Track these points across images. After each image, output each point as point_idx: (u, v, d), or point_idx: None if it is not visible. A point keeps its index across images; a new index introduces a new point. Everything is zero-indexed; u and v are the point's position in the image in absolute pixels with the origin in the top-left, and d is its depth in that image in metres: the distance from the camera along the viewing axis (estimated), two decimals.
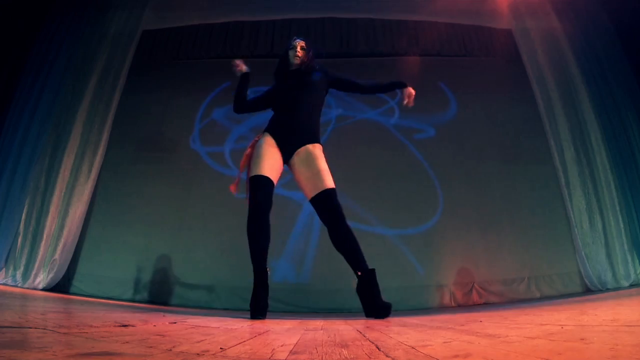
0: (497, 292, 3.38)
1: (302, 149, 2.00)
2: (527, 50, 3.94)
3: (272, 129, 2.06)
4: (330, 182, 1.94)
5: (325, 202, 1.91)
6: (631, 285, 3.17)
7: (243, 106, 2.26)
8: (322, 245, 3.57)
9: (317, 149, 2.02)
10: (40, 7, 4.03)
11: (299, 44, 2.20)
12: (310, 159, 1.98)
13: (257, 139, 2.05)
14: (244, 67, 2.28)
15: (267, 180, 1.91)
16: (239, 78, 2.27)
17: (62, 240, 3.42)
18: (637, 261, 3.30)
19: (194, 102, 4.04)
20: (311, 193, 1.95)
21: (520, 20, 4.02)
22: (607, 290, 3.18)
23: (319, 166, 1.96)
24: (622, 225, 3.38)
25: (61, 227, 3.45)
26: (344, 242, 1.90)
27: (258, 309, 1.76)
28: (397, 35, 4.18)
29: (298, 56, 2.17)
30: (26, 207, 3.45)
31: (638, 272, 3.26)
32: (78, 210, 3.52)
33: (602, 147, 3.58)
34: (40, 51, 3.95)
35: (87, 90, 3.79)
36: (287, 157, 2.03)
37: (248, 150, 2.03)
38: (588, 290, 3.29)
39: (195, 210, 3.68)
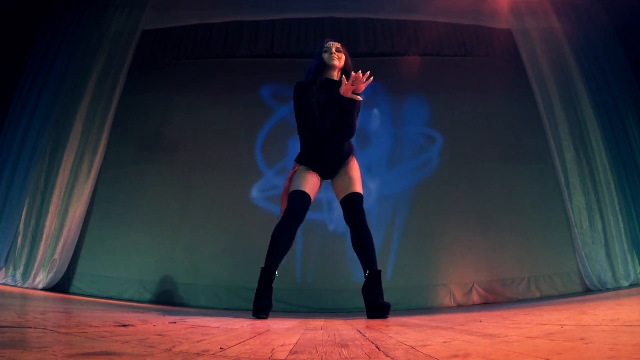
0: (497, 292, 3.38)
1: (344, 167, 2.10)
2: (527, 50, 3.93)
3: (309, 162, 2.06)
4: (359, 188, 2.05)
5: (352, 205, 2.02)
6: (631, 285, 3.17)
7: (318, 126, 2.05)
8: (323, 245, 3.58)
9: (352, 161, 2.12)
10: (40, 7, 4.02)
11: (334, 45, 2.07)
12: (347, 169, 2.09)
13: (293, 172, 2.08)
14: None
15: (306, 195, 1.99)
16: None
17: (62, 240, 3.41)
18: (637, 261, 3.30)
19: (195, 102, 4.04)
20: (341, 195, 2.06)
21: (520, 20, 4.01)
22: (607, 290, 3.18)
23: (352, 174, 2.08)
24: (622, 225, 3.38)
25: (61, 227, 3.45)
26: (362, 244, 1.98)
27: (262, 308, 1.78)
28: (397, 35, 4.17)
29: (334, 59, 2.05)
30: (26, 207, 3.45)
31: (638, 272, 3.26)
32: (78, 210, 3.52)
33: (602, 147, 3.58)
34: (40, 51, 3.94)
35: (87, 90, 3.79)
36: (327, 177, 2.12)
37: (287, 184, 2.08)
38: (588, 290, 3.28)
39: (196, 210, 3.68)
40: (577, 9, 4.00)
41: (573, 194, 3.51)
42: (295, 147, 2.42)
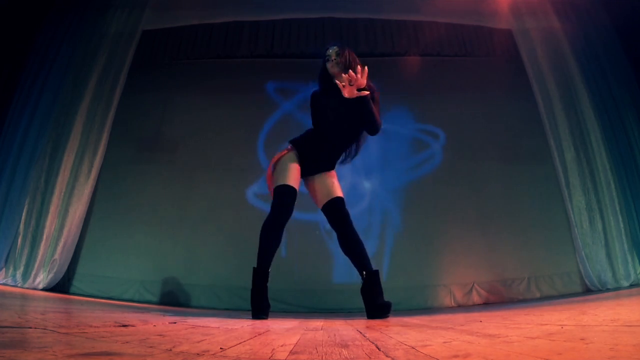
0: (497, 292, 3.38)
1: (323, 173, 2.13)
2: (527, 50, 3.93)
3: (303, 150, 2.06)
4: (339, 192, 2.08)
5: (335, 209, 2.04)
6: (631, 285, 3.17)
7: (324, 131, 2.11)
8: (322, 245, 3.57)
9: (333, 170, 2.16)
10: (40, 7, 4.02)
11: (333, 51, 2.05)
12: (327, 175, 2.12)
13: (286, 152, 2.04)
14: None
15: (293, 189, 1.97)
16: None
17: (62, 240, 3.41)
18: (637, 261, 3.30)
19: (195, 102, 4.04)
20: (322, 201, 2.08)
21: (520, 20, 4.01)
22: (607, 290, 3.18)
23: (332, 180, 2.11)
24: (622, 225, 3.38)
25: (61, 227, 3.45)
26: (352, 246, 1.99)
27: (262, 309, 1.79)
28: (397, 35, 4.17)
29: (336, 65, 2.03)
30: (26, 207, 3.44)
31: (638, 272, 3.26)
32: (78, 210, 3.52)
33: (602, 147, 3.58)
34: (40, 51, 3.94)
35: (87, 90, 3.79)
36: (306, 174, 2.12)
37: (274, 159, 2.04)
38: (588, 290, 3.28)
39: (196, 210, 3.68)
40: (577, 9, 4.00)
41: (573, 194, 3.51)
42: None
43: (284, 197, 1.94)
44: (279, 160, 2.02)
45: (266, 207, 3.56)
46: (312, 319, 2.05)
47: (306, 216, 3.53)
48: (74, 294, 3.36)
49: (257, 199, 3.70)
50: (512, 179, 3.73)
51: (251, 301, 1.81)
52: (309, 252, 3.54)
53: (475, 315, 1.77)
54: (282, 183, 1.96)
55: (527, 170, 3.75)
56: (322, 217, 3.56)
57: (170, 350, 0.68)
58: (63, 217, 3.47)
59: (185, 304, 3.32)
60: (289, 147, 2.06)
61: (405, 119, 4.01)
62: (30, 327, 0.86)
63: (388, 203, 3.75)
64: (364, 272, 1.93)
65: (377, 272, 1.93)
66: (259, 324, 1.47)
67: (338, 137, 2.07)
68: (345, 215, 2.02)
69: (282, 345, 0.80)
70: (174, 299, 3.37)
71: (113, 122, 3.80)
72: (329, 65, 2.06)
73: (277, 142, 3.77)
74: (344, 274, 3.44)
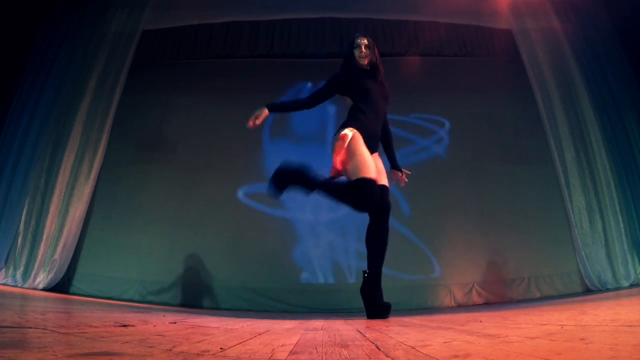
0: (497, 292, 3.38)
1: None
2: (527, 50, 3.94)
3: (362, 128, 1.91)
4: (385, 181, 2.02)
5: (380, 197, 1.93)
6: (631, 285, 3.18)
7: (309, 104, 2.08)
8: (322, 245, 3.57)
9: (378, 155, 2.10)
10: (40, 7, 4.02)
11: (362, 41, 2.08)
12: (376, 159, 2.04)
13: (349, 132, 1.85)
14: (261, 116, 1.97)
15: (381, 186, 1.92)
16: (273, 112, 2.03)
17: (62, 240, 3.42)
18: (637, 261, 3.30)
19: (195, 102, 4.04)
20: None
21: (520, 20, 4.01)
22: (607, 290, 3.18)
23: (380, 165, 2.05)
24: (622, 225, 3.38)
25: (61, 227, 3.45)
26: (377, 242, 1.94)
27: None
28: (397, 35, 4.18)
29: (363, 56, 2.06)
30: (26, 207, 3.45)
31: (638, 272, 3.26)
32: (78, 210, 3.52)
33: (602, 147, 3.58)
34: (40, 51, 3.94)
35: (87, 90, 3.79)
36: None
37: (343, 144, 1.83)
38: (588, 290, 3.29)
39: (196, 210, 3.68)
40: (577, 9, 4.00)
41: (573, 194, 3.52)
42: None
43: (384, 198, 1.92)
44: (353, 141, 1.82)
45: (261, 207, 3.61)
46: (312, 319, 2.05)
47: (307, 216, 3.53)
48: (74, 294, 3.37)
49: (249, 199, 3.69)
50: (513, 179, 3.73)
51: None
52: (309, 252, 3.54)
53: (475, 315, 1.77)
54: (370, 176, 1.79)
55: (528, 170, 3.75)
56: (326, 218, 3.61)
57: (170, 350, 0.68)
58: (63, 217, 3.48)
59: (186, 304, 3.32)
60: (353, 131, 1.87)
61: (403, 119, 4.01)
62: (30, 327, 0.86)
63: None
64: (368, 271, 1.91)
65: (380, 274, 1.92)
66: (259, 323, 1.47)
67: (380, 112, 2.05)
68: (387, 207, 1.95)
69: (282, 345, 0.80)
70: (174, 299, 3.37)
71: (113, 122, 3.80)
72: (356, 52, 2.07)
73: (279, 140, 3.83)
74: (345, 274, 3.45)
